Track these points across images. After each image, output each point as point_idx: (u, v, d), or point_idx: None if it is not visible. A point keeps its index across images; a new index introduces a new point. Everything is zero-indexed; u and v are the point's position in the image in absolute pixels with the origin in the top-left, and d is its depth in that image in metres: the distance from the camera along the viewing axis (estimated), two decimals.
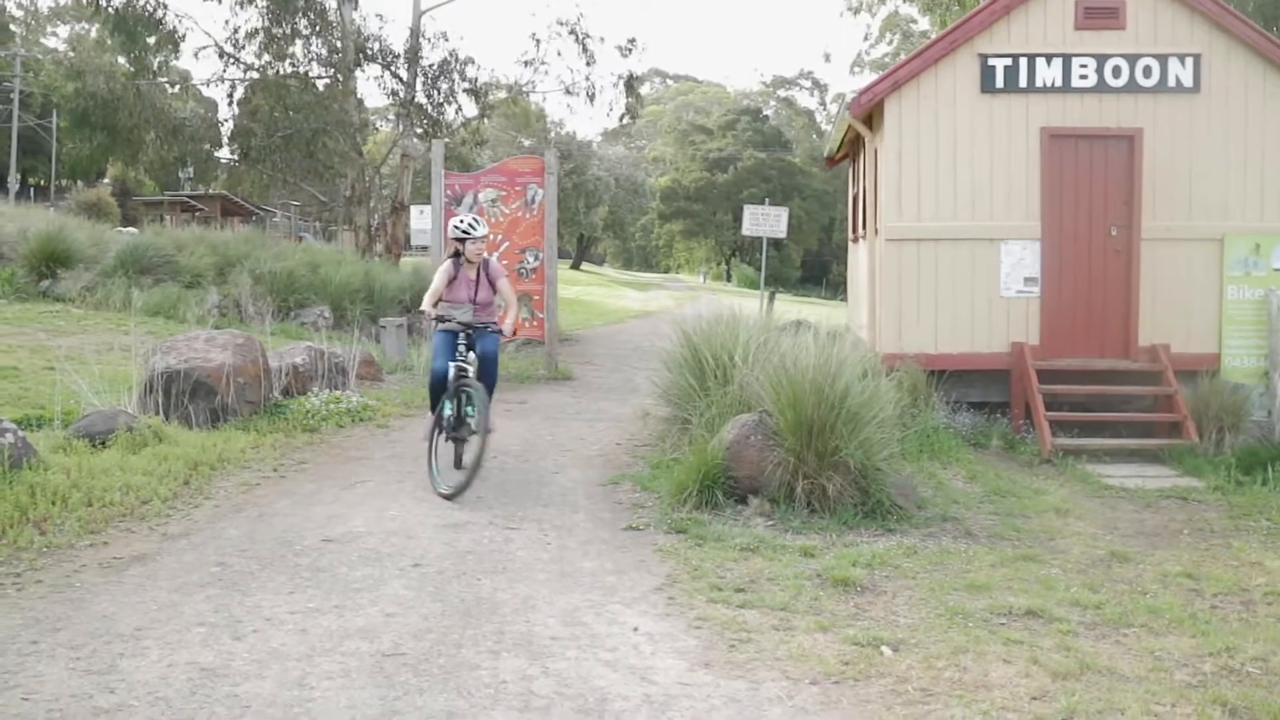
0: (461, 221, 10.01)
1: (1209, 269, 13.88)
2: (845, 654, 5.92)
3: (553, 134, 60.18)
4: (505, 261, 16.71)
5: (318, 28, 28.96)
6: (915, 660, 5.88)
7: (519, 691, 5.31)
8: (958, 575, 7.60)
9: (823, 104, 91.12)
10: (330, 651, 5.73)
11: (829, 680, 5.58)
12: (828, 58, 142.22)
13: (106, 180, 56.60)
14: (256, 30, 28.71)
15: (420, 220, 30.46)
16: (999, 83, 13.94)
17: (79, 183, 56.66)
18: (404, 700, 5.15)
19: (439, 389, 9.82)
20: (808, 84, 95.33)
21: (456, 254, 10.14)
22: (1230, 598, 7.47)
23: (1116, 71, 13.92)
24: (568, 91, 31.43)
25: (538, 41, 30.95)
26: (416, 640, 5.93)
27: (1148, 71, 13.91)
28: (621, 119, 32.96)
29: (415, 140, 30.26)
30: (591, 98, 31.72)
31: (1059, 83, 13.93)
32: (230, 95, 30.16)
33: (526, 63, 31.38)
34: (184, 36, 28.70)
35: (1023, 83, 13.93)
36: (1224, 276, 13.87)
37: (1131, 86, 13.91)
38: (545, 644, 5.95)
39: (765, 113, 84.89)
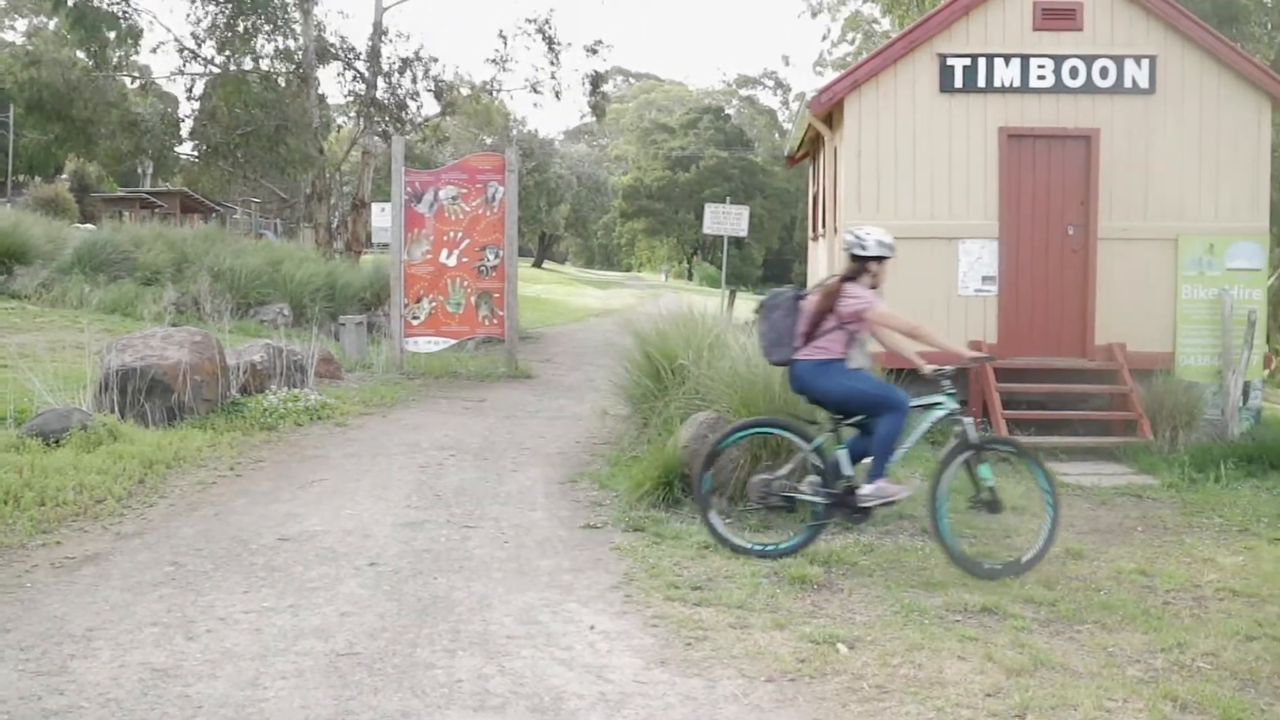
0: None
1: (1164, 269, 13.99)
2: (801, 651, 5.94)
3: (515, 132, 60.08)
4: (466, 259, 16.68)
5: (278, 24, 28.80)
6: (871, 657, 5.90)
7: (474, 690, 5.30)
8: (914, 573, 7.65)
9: (785, 103, 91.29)
10: (284, 651, 5.70)
11: (785, 678, 5.59)
12: (787, 60, 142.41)
13: (65, 176, 56.04)
14: (216, 26, 28.52)
15: (381, 218, 30.34)
16: (958, 83, 14.01)
17: (36, 178, 56.06)
18: (358, 700, 5.14)
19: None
20: (770, 83, 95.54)
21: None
22: (1183, 594, 7.53)
23: (1074, 72, 14.02)
24: (534, 90, 31.40)
25: (505, 39, 30.93)
26: (371, 639, 5.91)
27: (1104, 72, 14.01)
28: (585, 117, 33.02)
29: (376, 138, 30.17)
30: (558, 95, 31.75)
31: (1017, 83, 14.01)
32: (190, 90, 30.00)
33: (493, 60, 31.37)
34: (142, 33, 28.50)
35: (981, 83, 14.01)
36: (1179, 276, 13.98)
37: (1088, 87, 14.01)
38: (501, 643, 5.94)
39: (727, 112, 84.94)
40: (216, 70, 29.15)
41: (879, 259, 8.00)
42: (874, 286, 8.02)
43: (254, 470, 9.98)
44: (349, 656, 5.66)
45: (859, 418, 7.96)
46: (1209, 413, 13.58)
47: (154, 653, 5.61)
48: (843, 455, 7.96)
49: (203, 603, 6.41)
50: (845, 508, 7.89)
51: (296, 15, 29.06)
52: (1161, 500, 10.49)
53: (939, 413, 8.19)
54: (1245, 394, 13.94)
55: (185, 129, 31.99)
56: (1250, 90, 14.08)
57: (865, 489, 7.82)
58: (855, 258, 7.97)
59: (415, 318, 16.67)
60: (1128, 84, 14.00)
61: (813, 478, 7.92)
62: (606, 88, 36.42)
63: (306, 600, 6.53)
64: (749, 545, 7.87)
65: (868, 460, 7.92)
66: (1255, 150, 14.13)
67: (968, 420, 8.19)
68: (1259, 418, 14.28)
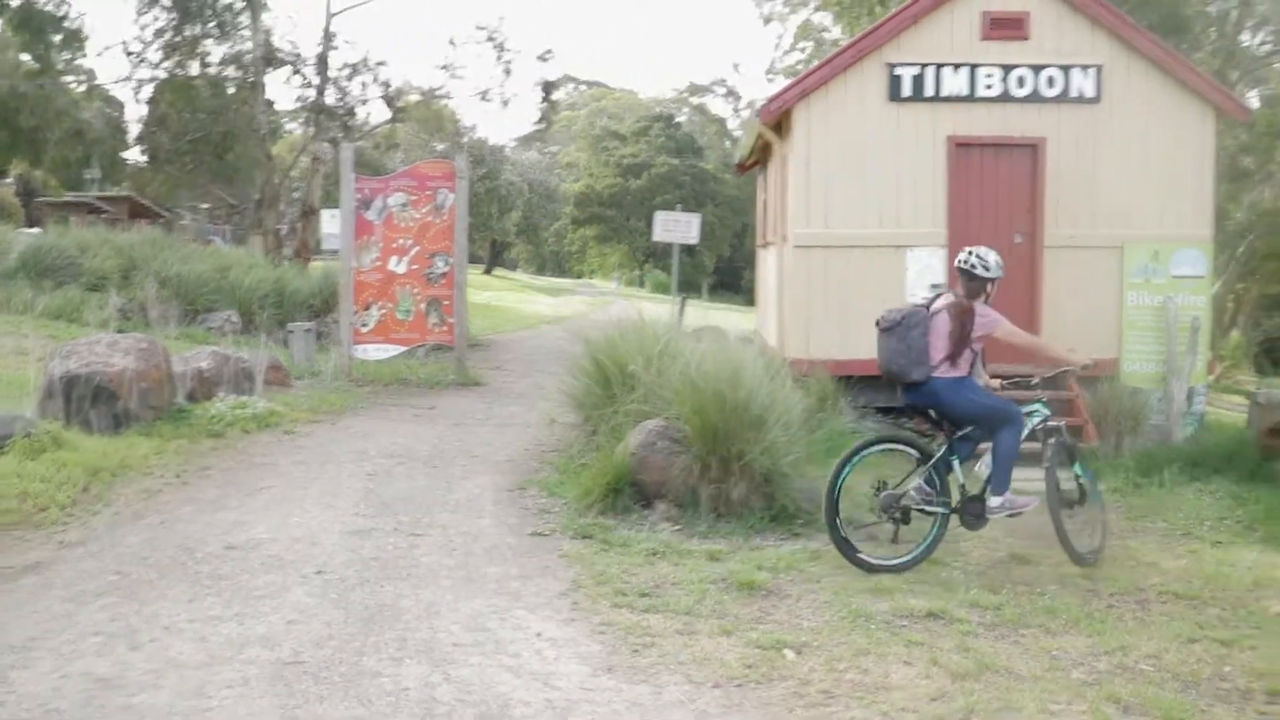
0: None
1: (1110, 276, 14.15)
2: (748, 657, 5.96)
3: (466, 139, 59.92)
4: (415, 266, 16.62)
5: (226, 29, 28.62)
6: (817, 662, 5.93)
7: (420, 699, 5.28)
8: (861, 578, 7.67)
9: (736, 111, 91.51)
10: (230, 660, 5.66)
11: (732, 683, 5.61)
12: (737, 68, 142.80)
13: (9, 180, 55.38)
14: (164, 31, 28.30)
15: (331, 224, 30.16)
16: (906, 91, 14.11)
17: None
18: (304, 709, 5.11)
19: None
20: (721, 91, 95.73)
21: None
22: (1126, 597, 7.62)
23: (1021, 81, 14.16)
24: (484, 97, 31.38)
25: (454, 45, 30.91)
26: (318, 648, 5.88)
27: (1051, 82, 14.16)
28: (536, 124, 32.96)
29: (326, 144, 30.02)
30: (506, 103, 31.75)
31: (965, 92, 14.13)
32: (137, 95, 29.77)
33: (443, 67, 31.31)
34: (88, 38, 28.27)
35: (929, 92, 14.12)
36: (1124, 283, 14.14)
37: (1035, 96, 14.16)
38: (448, 650, 5.92)
39: (678, 119, 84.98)
40: (164, 76, 28.91)
41: (995, 280, 8.36)
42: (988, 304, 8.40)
43: (201, 478, 9.90)
44: (295, 665, 5.63)
45: (966, 430, 8.35)
46: (1154, 418, 13.75)
47: (97, 663, 5.56)
48: (958, 466, 8.32)
49: (147, 612, 6.35)
50: (966, 515, 8.28)
51: (245, 20, 28.87)
52: (1107, 505, 10.57)
53: (1035, 419, 8.59)
54: (1189, 399, 14.12)
55: (133, 134, 31.74)
56: (1195, 100, 14.27)
57: (994, 500, 8.25)
58: (976, 278, 8.30)
59: (364, 325, 16.59)
60: (1074, 93, 14.16)
61: (927, 489, 8.21)
62: (557, 95, 36.44)
63: (253, 609, 6.48)
64: (877, 562, 7.93)
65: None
66: (1199, 159, 14.32)
67: (1060, 424, 8.84)
68: (1202, 423, 14.48)
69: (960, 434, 8.33)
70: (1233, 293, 48.38)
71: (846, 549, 7.91)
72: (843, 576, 7.68)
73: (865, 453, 8.22)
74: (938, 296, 8.46)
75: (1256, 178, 42.36)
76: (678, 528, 8.64)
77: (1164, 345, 13.99)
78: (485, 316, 32.05)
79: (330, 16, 29.54)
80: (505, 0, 69.78)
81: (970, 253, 8.40)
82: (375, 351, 16.70)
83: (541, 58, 31.60)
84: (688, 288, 50.17)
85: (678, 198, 61.37)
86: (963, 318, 8.14)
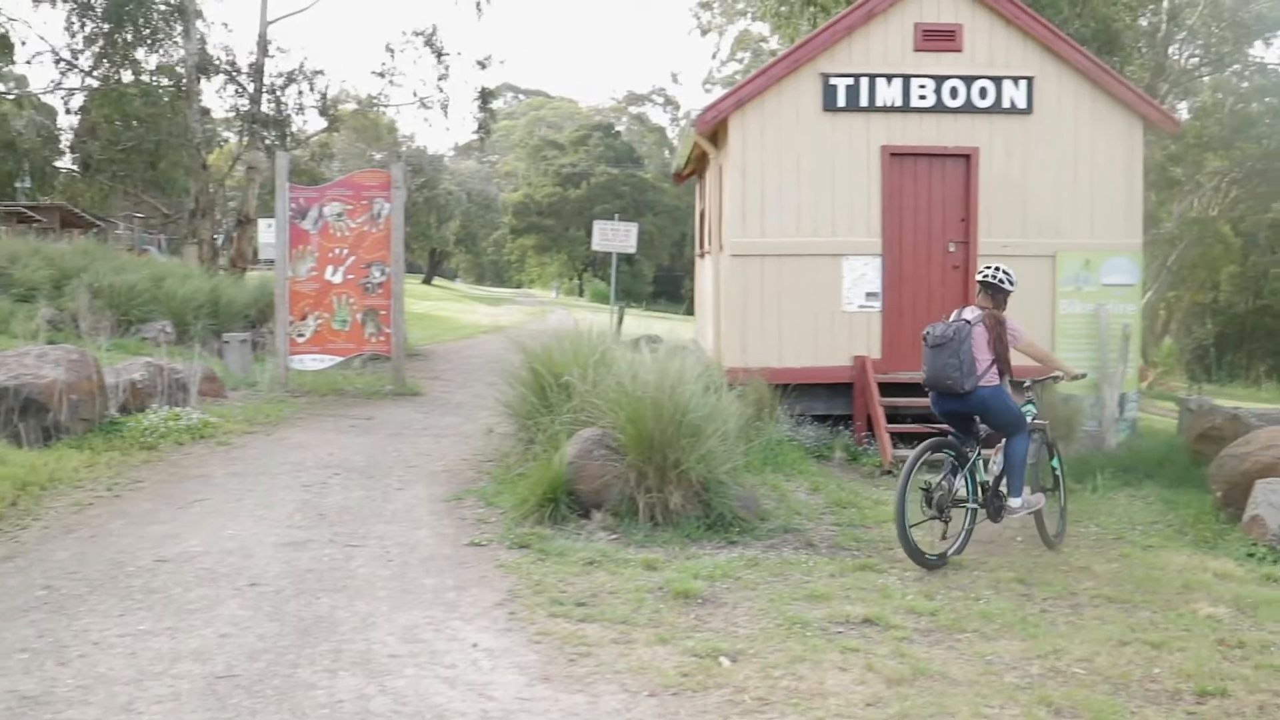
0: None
1: (1042, 284, 14.30)
2: (684, 665, 5.96)
3: (404, 148, 59.70)
4: (351, 276, 16.52)
5: (159, 37, 28.32)
6: (753, 670, 5.94)
7: (355, 710, 5.24)
8: (798, 585, 7.71)
9: (674, 120, 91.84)
10: (160, 675, 5.59)
11: (667, 692, 5.61)
12: (676, 78, 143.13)
13: None
14: (95, 38, 27.96)
15: (267, 234, 29.91)
16: (840, 102, 14.20)
17: None
18: None
19: None
20: (659, 100, 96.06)
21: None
22: (1059, 601, 7.69)
23: (954, 92, 14.29)
24: (422, 104, 31.25)
25: (392, 51, 30.72)
26: (251, 661, 5.82)
27: (984, 93, 14.31)
28: (477, 131, 32.81)
29: (261, 153, 29.77)
30: (445, 110, 31.61)
31: (898, 102, 14.24)
32: (68, 104, 29.38)
33: (380, 74, 31.12)
34: (14, 46, 27.85)
35: (863, 102, 14.22)
36: (1057, 292, 14.31)
37: (968, 107, 14.29)
38: (384, 662, 5.88)
39: (617, 128, 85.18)
40: (96, 84, 28.56)
41: (1011, 293, 9.03)
42: None
43: (132, 491, 9.78)
44: (228, 679, 5.57)
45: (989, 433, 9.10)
46: (1087, 424, 13.93)
47: (23, 680, 5.47)
48: (983, 465, 9.08)
49: (76, 627, 6.26)
50: (989, 508, 9.02)
51: (178, 28, 28.58)
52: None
53: (1027, 419, 9.22)
54: (1121, 406, 14.31)
55: (65, 143, 31.33)
56: (1123, 111, 14.48)
57: (1015, 502, 8.95)
58: (1002, 291, 8.93)
59: (300, 335, 16.46)
60: (1006, 104, 14.31)
61: (961, 486, 8.89)
62: (496, 104, 36.36)
63: (185, 622, 6.40)
64: (934, 558, 8.46)
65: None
66: (1128, 169, 14.53)
67: (1045, 422, 9.71)
68: (1134, 429, 14.67)
69: (986, 437, 9.08)
70: (1164, 300, 49.13)
71: (917, 556, 8.36)
72: (779, 584, 7.71)
73: (931, 455, 8.71)
74: (962, 310, 9.04)
75: (1186, 187, 43.06)
76: (615, 536, 8.64)
77: (1096, 353, 14.16)
78: (423, 326, 31.94)
79: (265, 24, 29.32)
80: (444, 9, 69.52)
81: (996, 268, 8.97)
82: (312, 362, 16.57)
83: (480, 63, 31.48)
84: (627, 297, 50.19)
85: (617, 207, 61.50)
86: (998, 329, 8.79)
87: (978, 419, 8.96)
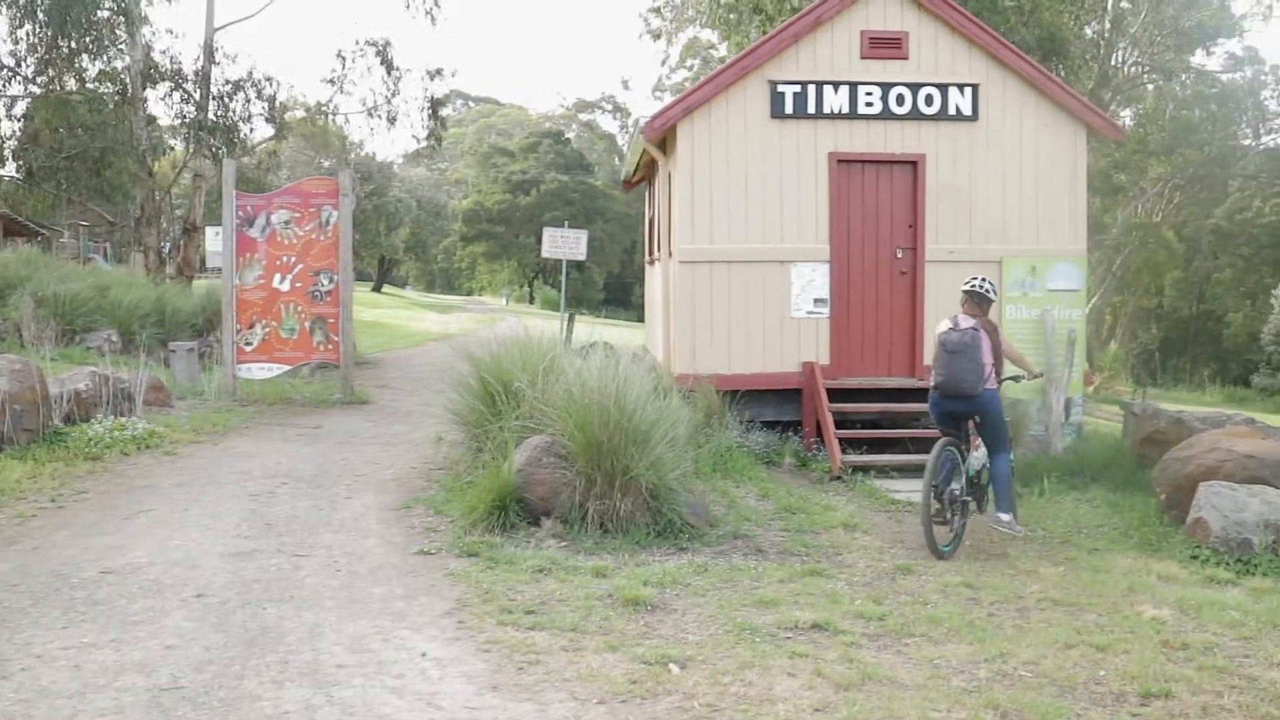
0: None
1: None
2: (633, 673, 5.96)
3: (353, 155, 59.39)
4: (299, 284, 16.42)
5: (104, 44, 28.01)
6: (702, 676, 5.95)
7: None
8: (747, 592, 7.72)
9: (624, 127, 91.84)
10: (104, 688, 5.52)
11: (616, 699, 5.60)
12: (626, 84, 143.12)
13: None
14: (38, 44, 27.62)
15: (214, 242, 29.66)
16: (788, 109, 14.26)
17: None
18: None
19: None
20: (609, 107, 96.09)
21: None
22: (1006, 605, 7.76)
23: (900, 100, 14.38)
24: (371, 113, 31.09)
25: (343, 59, 30.54)
26: (197, 672, 5.76)
27: (930, 100, 14.41)
28: (427, 140, 32.64)
29: (208, 161, 29.51)
30: (394, 120, 31.43)
31: (846, 109, 14.31)
32: (10, 111, 28.97)
33: (331, 81, 30.93)
34: None
35: (811, 109, 14.28)
36: (1003, 297, 14.40)
37: (914, 114, 14.39)
38: (331, 672, 5.85)
39: (567, 135, 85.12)
40: (39, 91, 28.22)
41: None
42: None
43: (77, 502, 9.66)
44: (172, 691, 5.51)
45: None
46: (1034, 429, 14.04)
47: None
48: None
49: (18, 640, 6.17)
50: (975, 500, 9.79)
51: (123, 35, 28.29)
52: (989, 514, 10.77)
53: None
54: (1067, 410, 14.44)
55: (7, 150, 30.87)
56: (1067, 118, 14.63)
57: (1005, 516, 9.63)
58: (988, 300, 9.65)
59: (248, 343, 16.35)
60: (952, 111, 14.42)
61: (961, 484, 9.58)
62: (446, 111, 36.16)
63: (129, 634, 6.34)
64: (946, 550, 9.22)
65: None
66: (1072, 176, 14.67)
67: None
68: (1080, 433, 14.81)
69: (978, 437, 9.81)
70: (1110, 305, 49.65)
71: (935, 549, 9.12)
72: (728, 590, 7.73)
73: (946, 454, 9.48)
74: (956, 318, 9.59)
75: (1130, 193, 43.54)
76: (564, 544, 8.62)
77: (1043, 357, 14.27)
78: (372, 334, 31.79)
79: (212, 31, 29.07)
80: (396, 15, 69.32)
81: (981, 279, 9.70)
82: (259, 370, 16.47)
83: (431, 74, 31.36)
84: (578, 304, 50.21)
85: (567, 214, 61.44)
86: (994, 335, 9.59)
87: (975, 420, 9.66)
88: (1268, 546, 9.13)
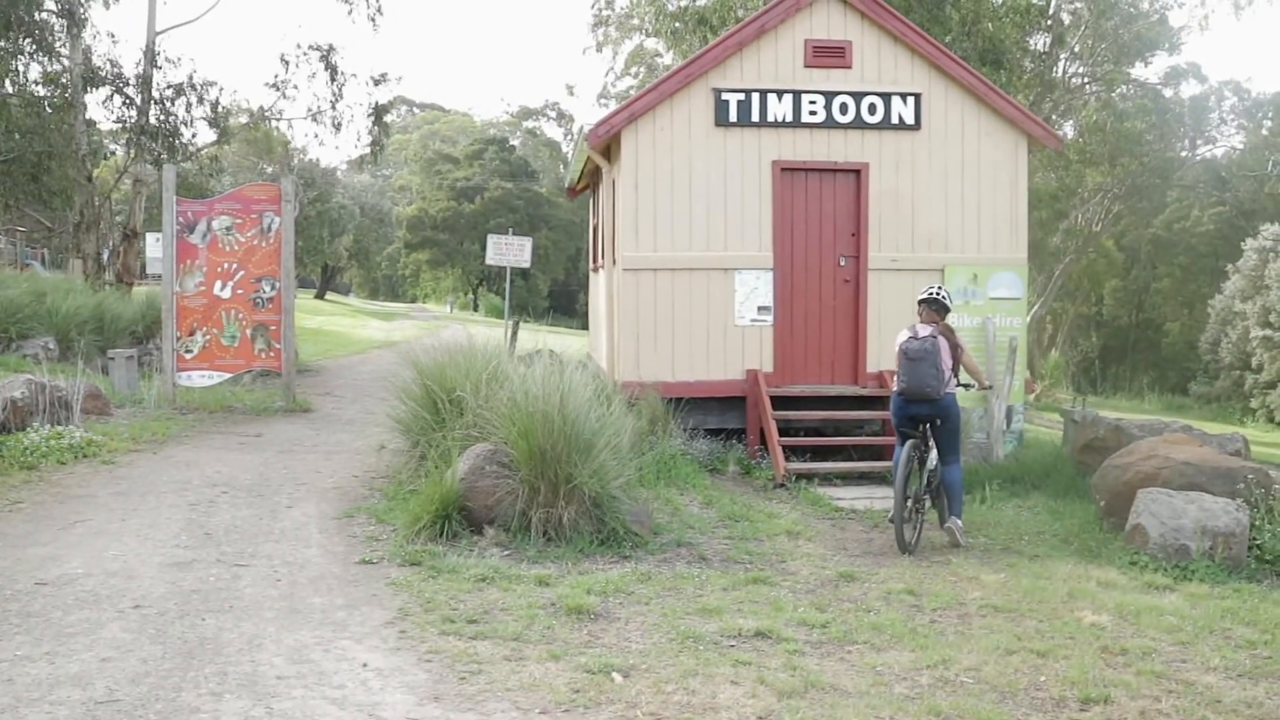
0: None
1: None
2: (576, 682, 5.93)
3: (296, 161, 58.96)
4: (241, 291, 16.27)
5: (42, 46, 27.63)
6: (645, 685, 5.93)
7: None
8: (690, 600, 7.72)
9: (569, 134, 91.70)
10: (38, 701, 5.43)
11: (559, 709, 5.58)
12: (571, 90, 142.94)
13: None
14: None
15: (155, 248, 29.30)
16: (732, 117, 14.29)
17: None
18: None
19: None
20: (554, 115, 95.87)
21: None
22: (948, 612, 7.80)
23: (844, 108, 14.45)
24: (314, 119, 30.83)
25: (286, 63, 30.26)
26: (133, 685, 5.68)
27: (873, 109, 14.49)
28: (371, 147, 32.40)
29: (148, 166, 29.17)
30: (338, 126, 31.18)
31: (789, 118, 14.36)
32: None
33: (274, 85, 30.63)
34: None
35: (755, 117, 14.32)
36: None
37: (858, 123, 14.46)
38: (270, 683, 5.78)
39: (512, 143, 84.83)
40: None
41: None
42: None
43: (10, 512, 9.52)
44: (109, 704, 5.43)
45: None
46: (975, 436, 14.13)
47: None
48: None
49: None
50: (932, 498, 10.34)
51: (63, 37, 27.92)
52: (931, 522, 10.81)
53: None
54: (1009, 418, 14.54)
55: None
56: (1008, 128, 14.76)
57: (959, 521, 10.14)
58: (945, 308, 10.16)
59: (189, 351, 16.18)
60: (895, 120, 14.50)
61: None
62: (391, 117, 35.89)
63: (65, 647, 6.24)
64: (910, 544, 9.80)
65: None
66: (1013, 185, 14.80)
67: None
68: (1022, 440, 14.92)
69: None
70: (1051, 313, 50.12)
71: (905, 546, 9.71)
72: (671, 599, 7.72)
73: (909, 451, 9.92)
74: (915, 327, 10.11)
75: (1071, 203, 43.97)
76: (508, 553, 8.58)
77: (984, 365, 14.36)
78: (315, 341, 31.58)
79: (154, 34, 28.76)
80: (339, 20, 68.95)
81: (939, 288, 10.26)
82: (200, 378, 16.30)
83: (376, 80, 31.14)
84: (522, 311, 50.11)
85: (512, 221, 61.25)
86: (952, 338, 10.10)
87: (937, 423, 10.04)
88: (1204, 553, 9.23)
